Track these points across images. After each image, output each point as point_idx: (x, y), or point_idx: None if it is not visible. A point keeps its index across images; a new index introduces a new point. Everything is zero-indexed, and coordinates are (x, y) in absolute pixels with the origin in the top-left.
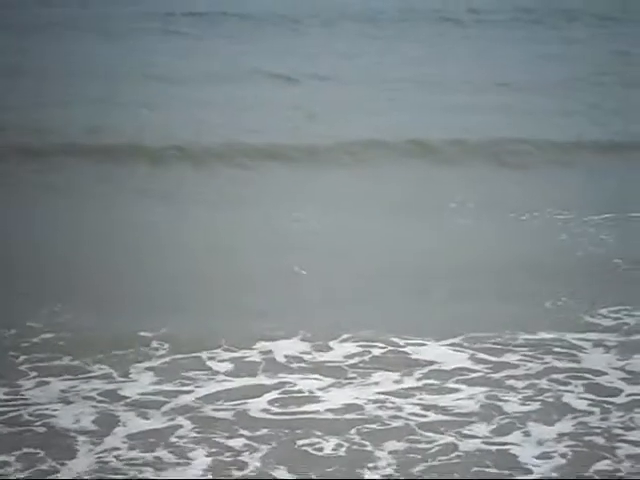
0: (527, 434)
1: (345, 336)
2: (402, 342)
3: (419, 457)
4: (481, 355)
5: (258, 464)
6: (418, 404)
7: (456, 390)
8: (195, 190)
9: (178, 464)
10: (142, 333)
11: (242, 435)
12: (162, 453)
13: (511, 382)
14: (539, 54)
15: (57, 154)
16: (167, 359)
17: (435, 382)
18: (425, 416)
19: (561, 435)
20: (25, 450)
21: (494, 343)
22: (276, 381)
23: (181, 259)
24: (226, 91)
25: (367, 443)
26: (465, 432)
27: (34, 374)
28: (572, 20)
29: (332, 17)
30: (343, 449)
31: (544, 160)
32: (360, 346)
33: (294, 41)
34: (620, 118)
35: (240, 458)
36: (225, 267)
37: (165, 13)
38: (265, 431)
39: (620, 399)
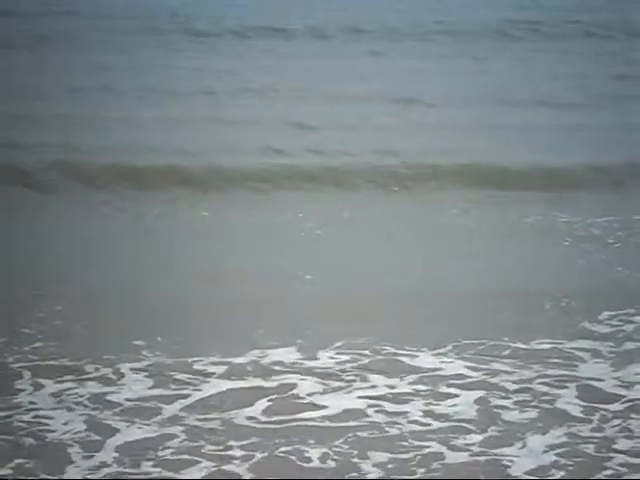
0: (521, 444)
1: (338, 344)
2: (396, 350)
3: (407, 466)
4: (476, 362)
5: (248, 474)
6: (410, 412)
7: (449, 397)
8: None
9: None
10: (136, 342)
11: (232, 445)
12: (152, 464)
13: (506, 389)
14: None
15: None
16: (160, 367)
17: (428, 390)
18: (417, 425)
19: (555, 445)
20: (16, 461)
21: (488, 349)
22: (266, 388)
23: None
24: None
25: (354, 452)
26: (456, 442)
27: (27, 379)
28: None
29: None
30: (330, 458)
31: None
32: (353, 354)
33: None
34: None
35: (229, 468)
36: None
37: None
38: (254, 440)
39: (615, 406)
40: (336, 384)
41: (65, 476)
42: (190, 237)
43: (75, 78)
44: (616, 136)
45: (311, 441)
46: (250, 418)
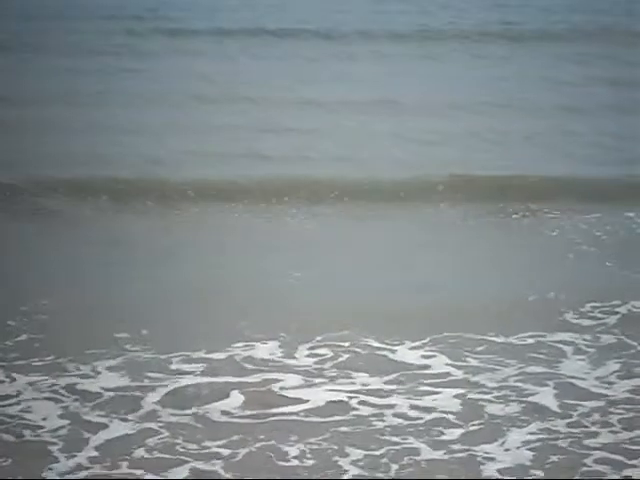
0: (500, 440)
1: (319, 338)
2: (377, 344)
3: (384, 461)
4: (457, 356)
5: (225, 471)
6: (389, 406)
7: (429, 393)
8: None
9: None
10: (119, 335)
11: (209, 439)
12: (129, 464)
13: (487, 384)
14: None
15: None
16: (141, 360)
17: (408, 384)
18: (397, 419)
19: (532, 441)
20: None
21: (468, 342)
22: (247, 383)
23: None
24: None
25: (335, 447)
26: (434, 438)
27: (7, 373)
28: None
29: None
30: (308, 454)
31: None
32: (334, 348)
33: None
34: None
35: (205, 466)
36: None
37: None
38: (235, 436)
39: (595, 403)
40: (316, 379)
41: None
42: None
43: (40, 83)
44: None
45: (290, 437)
46: (226, 413)
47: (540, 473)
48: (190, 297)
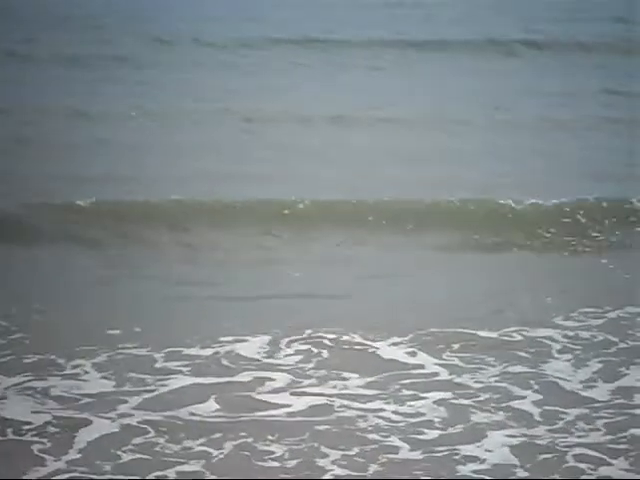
0: (478, 442)
1: (305, 334)
2: (362, 340)
3: (362, 461)
4: (446, 355)
5: (208, 471)
6: (371, 406)
7: (412, 393)
8: None
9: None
10: (110, 331)
11: (190, 440)
12: (112, 465)
13: (471, 385)
14: None
15: None
16: (126, 359)
17: (391, 384)
18: (377, 419)
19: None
20: None
21: (455, 339)
22: (229, 382)
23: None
24: None
25: (316, 446)
26: (415, 438)
27: None
28: None
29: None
30: (288, 454)
31: None
32: (318, 346)
33: None
34: None
35: (189, 468)
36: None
37: None
38: (216, 435)
39: (579, 406)
40: (301, 378)
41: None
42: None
43: None
44: None
45: (271, 437)
46: (208, 413)
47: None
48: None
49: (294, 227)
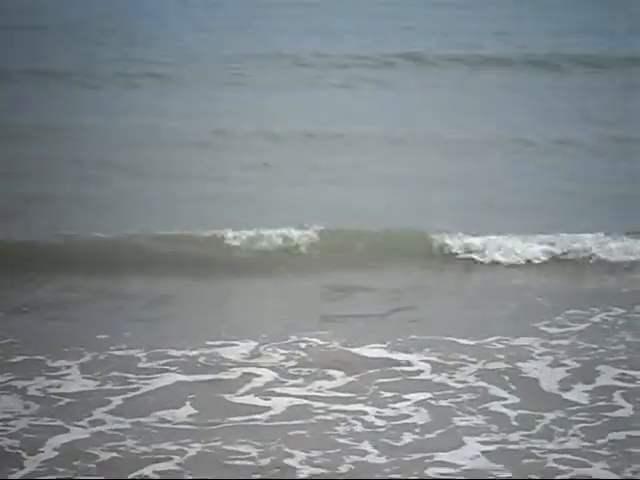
0: (456, 446)
1: (290, 340)
2: (344, 345)
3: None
4: (428, 357)
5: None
6: (352, 409)
7: (391, 396)
8: None
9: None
10: (100, 336)
11: (168, 443)
12: (89, 465)
13: (450, 386)
14: None
15: None
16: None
17: (375, 386)
18: (356, 422)
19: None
20: None
21: (440, 344)
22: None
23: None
24: None
25: (290, 451)
26: (386, 441)
27: None
28: None
29: None
30: (263, 457)
31: None
32: (300, 349)
33: None
34: None
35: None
36: None
37: None
38: (190, 440)
39: (558, 410)
40: (284, 379)
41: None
42: None
43: None
44: None
45: (247, 439)
46: (190, 416)
47: None
48: None
49: None
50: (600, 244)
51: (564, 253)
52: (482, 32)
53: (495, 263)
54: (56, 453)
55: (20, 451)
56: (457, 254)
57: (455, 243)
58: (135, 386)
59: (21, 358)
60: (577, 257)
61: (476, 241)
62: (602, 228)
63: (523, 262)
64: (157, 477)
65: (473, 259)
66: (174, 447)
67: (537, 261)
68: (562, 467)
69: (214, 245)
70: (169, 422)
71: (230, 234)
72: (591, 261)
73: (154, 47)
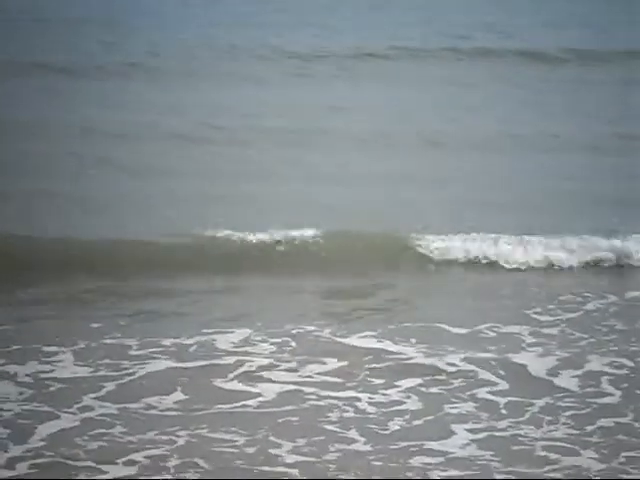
0: (444, 435)
1: (284, 329)
2: (333, 333)
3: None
4: (416, 346)
5: (175, 463)
6: (341, 397)
7: (380, 384)
8: None
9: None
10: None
11: (155, 432)
12: (79, 454)
13: (441, 369)
14: None
15: None
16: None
17: (363, 374)
18: (345, 410)
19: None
20: None
21: (426, 332)
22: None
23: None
24: None
25: (277, 441)
26: (375, 430)
27: None
28: None
29: None
30: (249, 445)
31: None
32: (293, 337)
33: None
34: None
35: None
36: None
37: None
38: (177, 428)
39: (544, 400)
40: (276, 365)
41: None
42: None
43: None
44: None
45: (237, 427)
46: (176, 402)
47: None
48: None
49: None
50: (594, 243)
51: (562, 253)
52: (478, 25)
53: (492, 262)
54: (44, 439)
55: (6, 437)
56: (450, 252)
57: (443, 242)
58: (129, 371)
59: (15, 347)
60: (577, 257)
61: (470, 239)
62: (600, 226)
63: (522, 262)
64: (145, 462)
65: (469, 258)
66: (163, 436)
67: (535, 262)
68: (551, 455)
69: (214, 244)
70: (154, 408)
71: (225, 232)
72: (588, 260)
73: (153, 41)
